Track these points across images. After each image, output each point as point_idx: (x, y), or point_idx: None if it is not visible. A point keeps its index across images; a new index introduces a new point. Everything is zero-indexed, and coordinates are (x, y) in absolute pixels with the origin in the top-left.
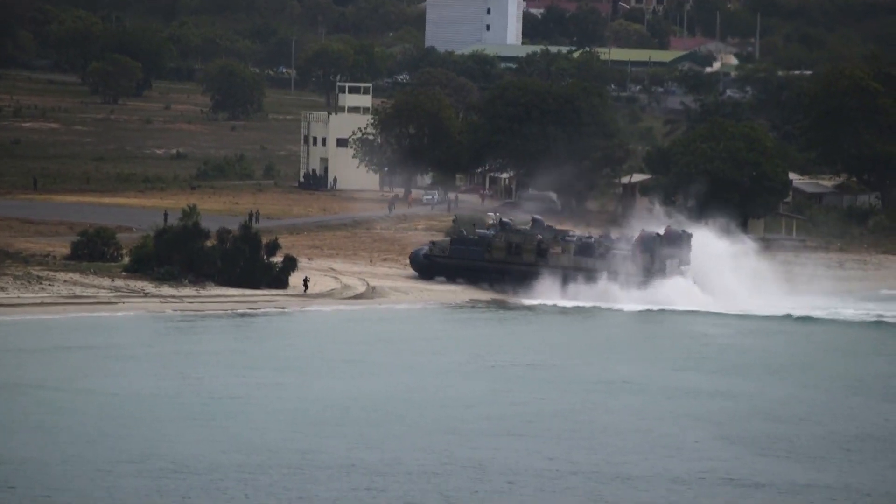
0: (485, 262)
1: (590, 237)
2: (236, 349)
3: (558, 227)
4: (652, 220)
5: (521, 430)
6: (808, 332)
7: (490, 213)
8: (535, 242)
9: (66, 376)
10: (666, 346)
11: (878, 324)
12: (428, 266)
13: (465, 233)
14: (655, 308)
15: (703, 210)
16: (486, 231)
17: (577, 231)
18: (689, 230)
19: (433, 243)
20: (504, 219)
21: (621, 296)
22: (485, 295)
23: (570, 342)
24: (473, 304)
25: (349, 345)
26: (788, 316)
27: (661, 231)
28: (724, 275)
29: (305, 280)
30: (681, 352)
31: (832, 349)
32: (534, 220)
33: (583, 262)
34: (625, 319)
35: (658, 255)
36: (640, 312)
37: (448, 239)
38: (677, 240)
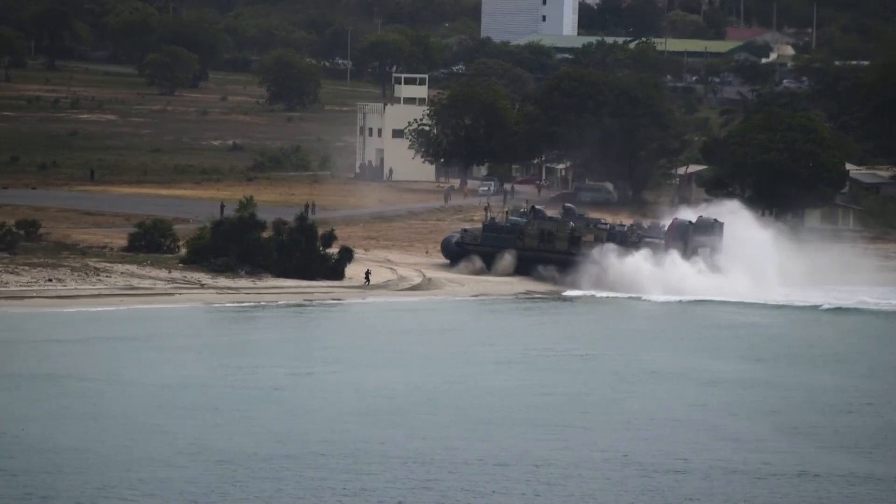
0: (517, 250)
1: (622, 225)
2: (293, 339)
3: (612, 219)
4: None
5: (576, 420)
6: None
7: (522, 202)
8: (568, 230)
9: (120, 367)
10: (707, 336)
11: None
12: (459, 253)
13: (497, 220)
14: (686, 299)
15: (760, 200)
16: (518, 219)
17: (609, 219)
18: (720, 219)
19: (465, 230)
20: (537, 206)
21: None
22: (541, 286)
23: (616, 332)
24: (529, 295)
25: (405, 336)
26: (817, 307)
27: (694, 220)
28: (759, 264)
29: (367, 272)
30: (727, 341)
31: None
32: (565, 209)
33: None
34: (664, 310)
35: (691, 244)
36: (675, 303)
37: (480, 226)
38: (709, 228)
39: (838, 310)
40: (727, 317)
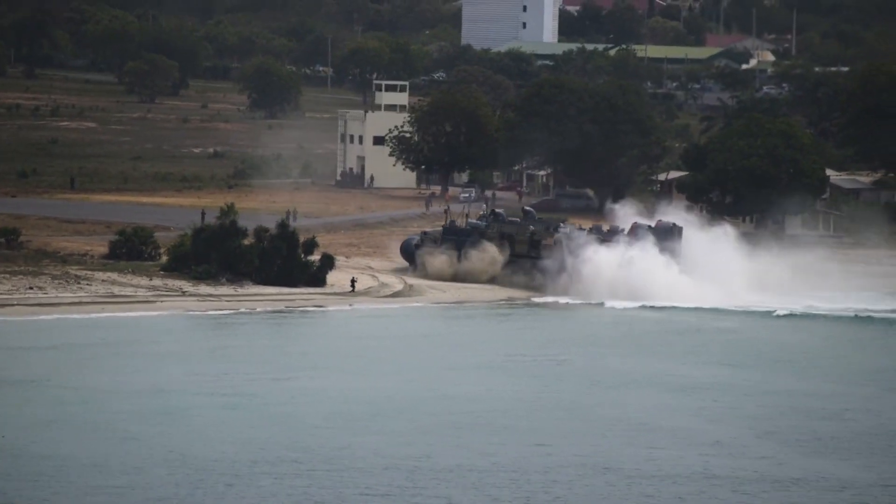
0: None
1: (582, 229)
2: (272, 347)
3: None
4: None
5: (559, 426)
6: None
7: (482, 204)
8: (528, 233)
9: (100, 374)
10: (672, 342)
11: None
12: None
13: (456, 223)
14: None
15: (740, 206)
16: (478, 222)
17: (569, 222)
18: (679, 223)
19: (425, 233)
20: (497, 210)
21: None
22: (521, 293)
23: (587, 337)
24: (510, 302)
25: (384, 342)
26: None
27: (653, 224)
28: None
29: (353, 280)
30: (692, 346)
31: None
32: (525, 212)
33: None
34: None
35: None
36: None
37: (439, 229)
38: (668, 233)
39: (791, 315)
40: (684, 322)
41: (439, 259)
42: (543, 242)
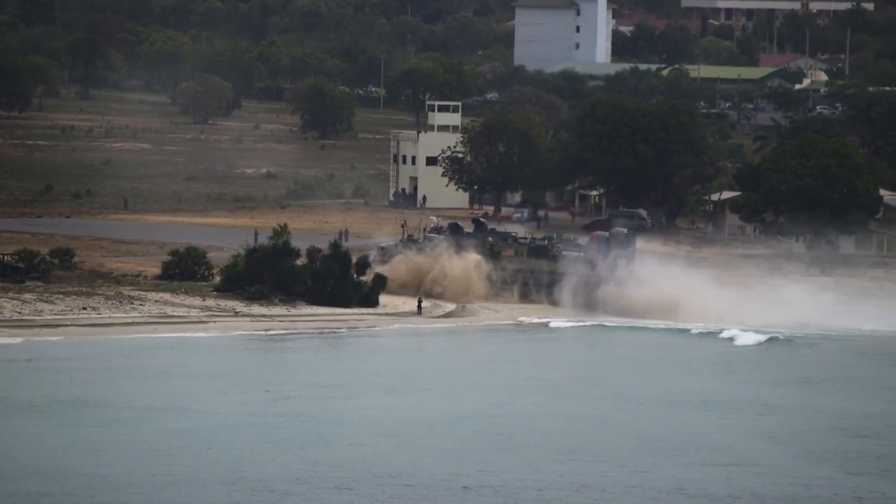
0: None
1: (543, 239)
2: (328, 368)
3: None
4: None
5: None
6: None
7: (433, 217)
8: (488, 245)
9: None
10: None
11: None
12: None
13: (414, 237)
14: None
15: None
16: (436, 235)
17: (522, 233)
18: (632, 232)
19: (381, 248)
20: (456, 222)
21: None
22: (567, 312)
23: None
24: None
25: (438, 363)
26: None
27: (608, 233)
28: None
29: (420, 300)
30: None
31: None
32: (476, 223)
33: (536, 264)
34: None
35: (611, 256)
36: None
37: (395, 243)
38: (623, 240)
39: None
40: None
41: (397, 271)
42: (504, 254)
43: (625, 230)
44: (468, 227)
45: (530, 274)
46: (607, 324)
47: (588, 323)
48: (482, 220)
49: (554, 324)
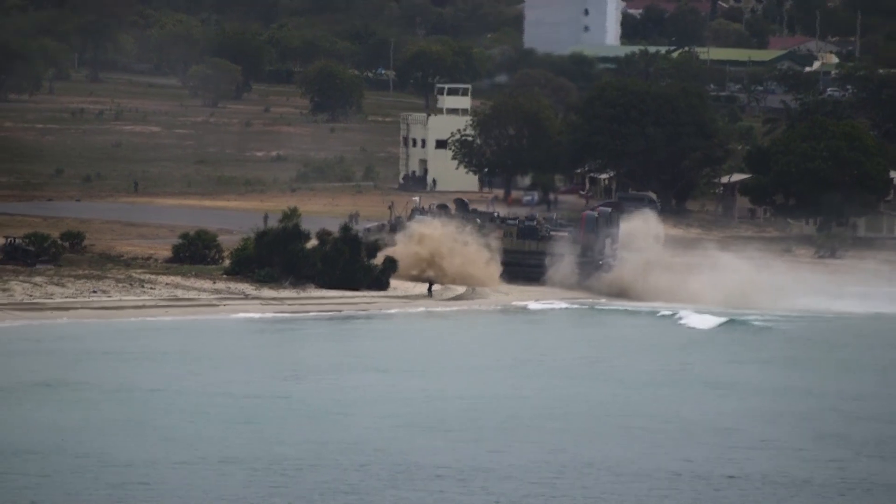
0: None
1: (532, 219)
2: (339, 350)
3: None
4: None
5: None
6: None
7: (413, 198)
8: (476, 227)
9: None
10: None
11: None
12: None
13: (402, 218)
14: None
15: (803, 210)
16: (419, 215)
17: (502, 212)
18: (616, 212)
19: (367, 229)
20: (445, 203)
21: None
22: (583, 295)
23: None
24: (574, 302)
25: (447, 346)
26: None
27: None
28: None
29: (430, 284)
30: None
31: None
32: (458, 203)
33: (526, 245)
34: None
35: (601, 236)
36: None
37: (383, 223)
38: (609, 220)
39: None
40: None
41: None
42: (493, 235)
43: (609, 210)
44: (453, 209)
45: (521, 255)
46: (632, 308)
47: (618, 307)
48: (465, 200)
49: (565, 306)
